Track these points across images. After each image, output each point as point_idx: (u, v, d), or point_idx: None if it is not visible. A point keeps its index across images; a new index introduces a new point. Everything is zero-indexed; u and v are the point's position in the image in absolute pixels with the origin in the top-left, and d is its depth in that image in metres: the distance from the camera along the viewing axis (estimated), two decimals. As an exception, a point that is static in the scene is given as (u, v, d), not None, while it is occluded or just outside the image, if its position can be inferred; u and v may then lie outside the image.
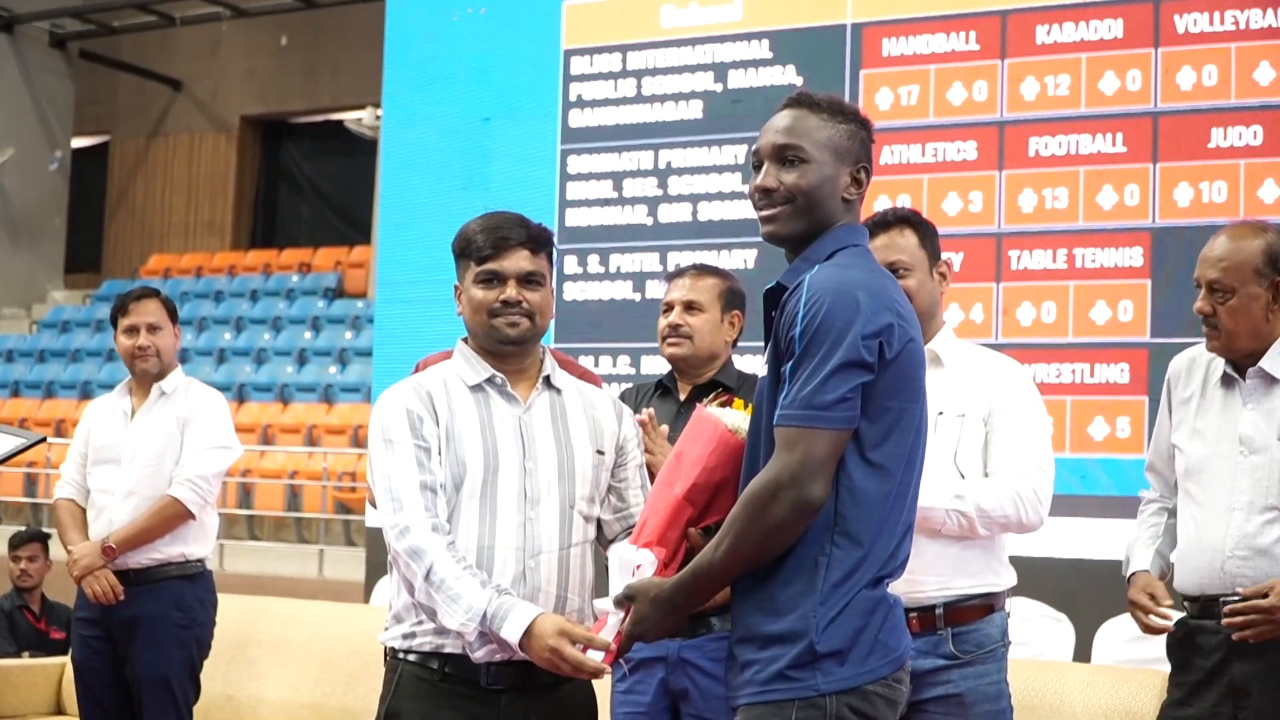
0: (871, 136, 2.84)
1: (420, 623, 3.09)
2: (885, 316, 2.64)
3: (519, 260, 3.16)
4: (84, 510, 5.23)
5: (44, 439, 3.63)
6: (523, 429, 3.16)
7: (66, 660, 6.95)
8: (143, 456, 5.13)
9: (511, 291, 3.14)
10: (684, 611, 2.75)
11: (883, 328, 2.62)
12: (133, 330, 5.19)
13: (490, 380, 3.18)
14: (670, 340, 4.02)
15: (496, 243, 3.15)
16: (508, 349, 3.18)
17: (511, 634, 2.88)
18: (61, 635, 7.76)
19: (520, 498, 3.11)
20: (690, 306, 4.02)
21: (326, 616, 6.66)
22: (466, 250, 3.20)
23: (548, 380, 3.24)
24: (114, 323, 5.25)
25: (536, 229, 3.20)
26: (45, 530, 8.46)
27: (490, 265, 3.15)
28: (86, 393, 16.09)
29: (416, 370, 4.31)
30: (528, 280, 3.16)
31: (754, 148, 2.85)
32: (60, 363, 17.17)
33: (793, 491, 2.58)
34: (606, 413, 3.30)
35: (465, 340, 3.26)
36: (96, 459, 5.20)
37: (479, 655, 2.97)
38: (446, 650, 3.07)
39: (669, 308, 4.05)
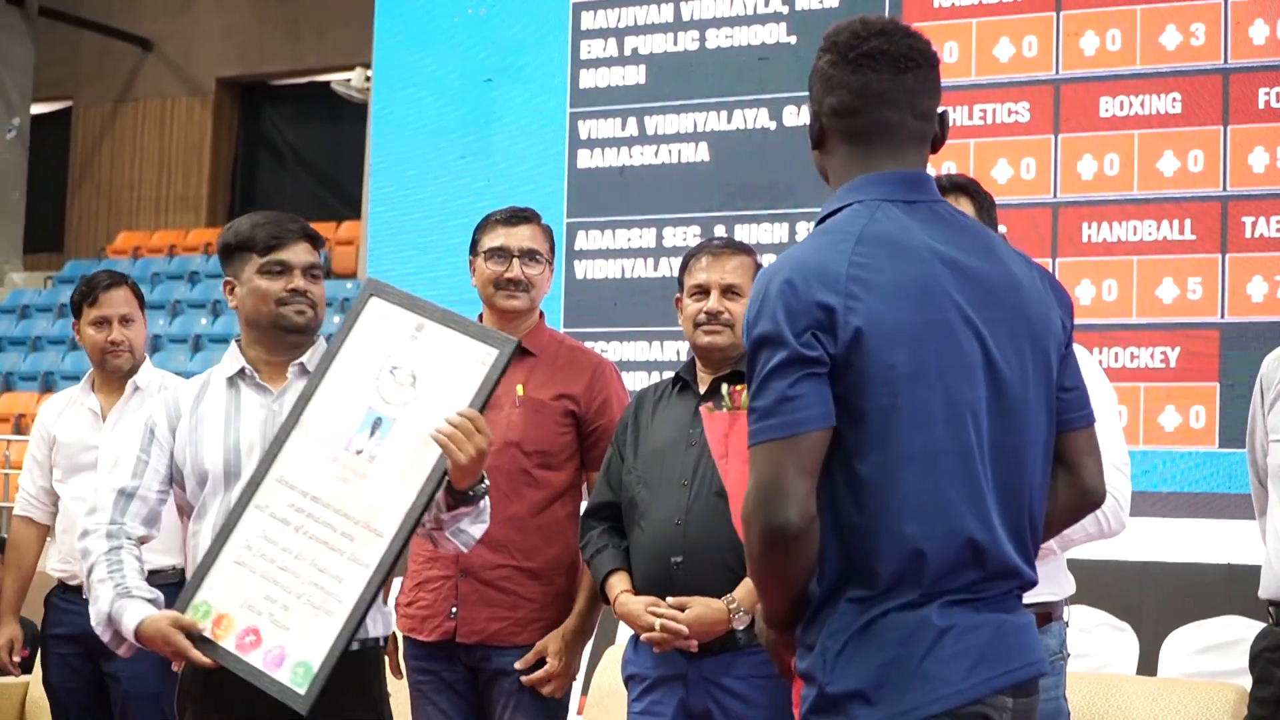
0: (841, 58, 2.61)
1: None
2: (819, 296, 2.44)
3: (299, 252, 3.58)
4: (46, 529, 5.25)
5: (516, 342, 3.38)
6: (268, 419, 3.54)
7: (30, 680, 6.96)
8: None
9: (299, 281, 3.55)
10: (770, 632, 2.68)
11: (813, 314, 2.43)
12: (103, 323, 5.14)
13: (240, 372, 3.60)
14: (708, 328, 4.00)
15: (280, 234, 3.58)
16: (293, 338, 3.59)
17: (126, 630, 3.38)
18: (24, 654, 7.76)
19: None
20: (729, 290, 4.01)
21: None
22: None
23: (302, 367, 3.59)
24: (76, 311, 5.20)
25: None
26: (2, 537, 8.44)
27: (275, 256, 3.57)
28: (49, 384, 16.11)
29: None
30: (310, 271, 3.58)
31: None
32: (19, 352, 17.19)
33: (759, 519, 2.43)
34: None
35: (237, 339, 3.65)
36: (69, 466, 5.16)
37: (121, 651, 3.48)
38: None
39: (702, 290, 4.03)
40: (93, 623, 3.45)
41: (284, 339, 3.58)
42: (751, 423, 2.47)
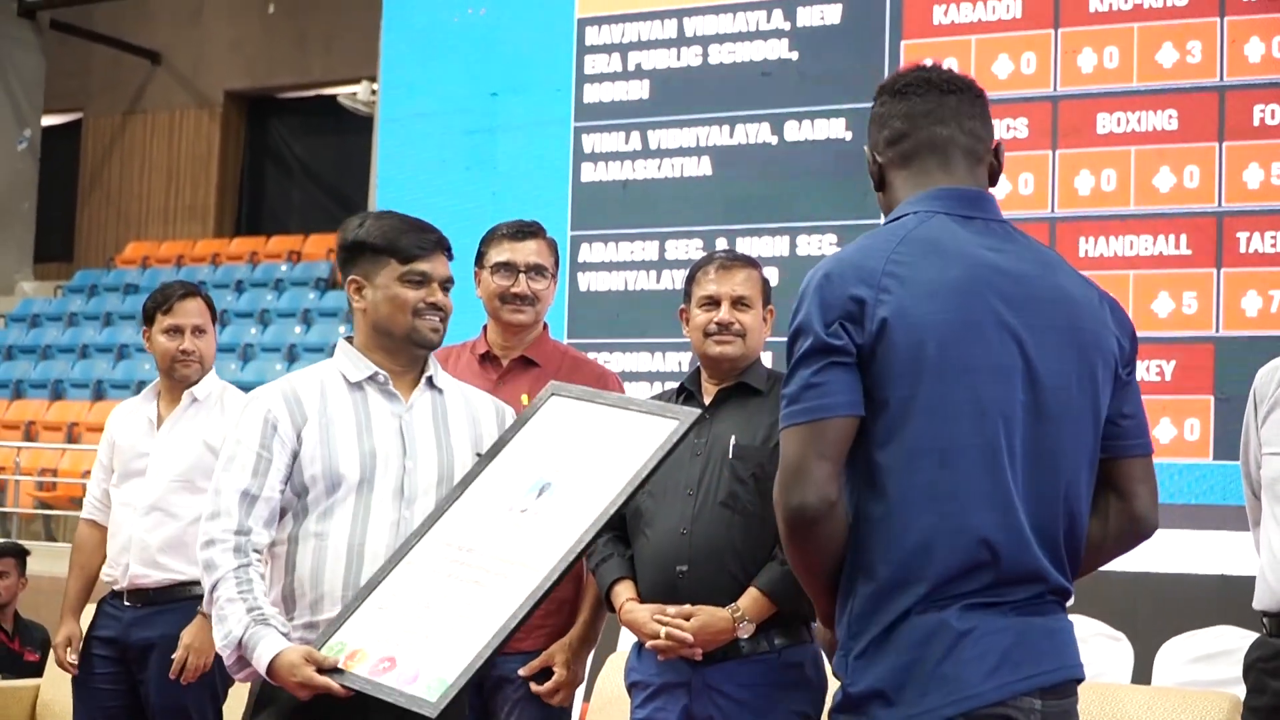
0: (890, 95, 2.75)
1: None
2: (852, 289, 2.51)
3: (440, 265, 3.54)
4: (104, 532, 5.22)
5: (698, 414, 3.30)
6: (403, 428, 3.48)
7: (40, 683, 6.99)
8: (171, 471, 5.05)
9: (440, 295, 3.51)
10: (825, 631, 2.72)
11: (845, 306, 2.50)
12: (176, 331, 5.10)
13: (372, 378, 3.50)
14: (719, 339, 4.01)
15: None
16: (421, 351, 3.53)
17: (260, 661, 3.24)
18: (35, 657, 7.77)
19: (397, 496, 3.41)
20: (740, 302, 4.03)
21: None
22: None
23: (430, 380, 3.54)
24: (149, 318, 5.17)
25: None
26: (19, 544, 8.43)
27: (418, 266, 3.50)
28: (58, 392, 16.14)
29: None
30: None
31: None
32: (29, 360, 17.21)
33: (781, 501, 2.50)
34: (487, 415, 3.60)
35: (349, 339, 3.56)
36: (122, 472, 5.13)
37: (240, 676, 3.34)
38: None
39: (712, 302, 4.04)
40: (218, 644, 3.31)
41: (411, 351, 3.51)
42: (781, 408, 2.53)
